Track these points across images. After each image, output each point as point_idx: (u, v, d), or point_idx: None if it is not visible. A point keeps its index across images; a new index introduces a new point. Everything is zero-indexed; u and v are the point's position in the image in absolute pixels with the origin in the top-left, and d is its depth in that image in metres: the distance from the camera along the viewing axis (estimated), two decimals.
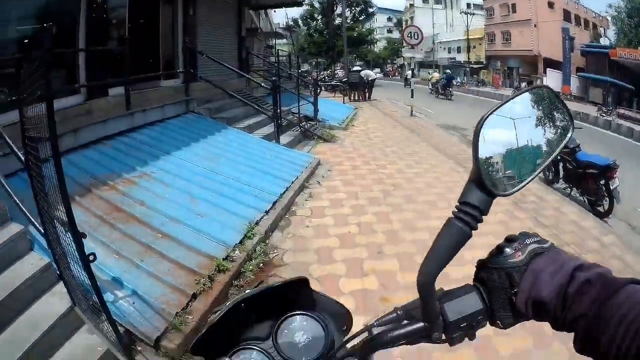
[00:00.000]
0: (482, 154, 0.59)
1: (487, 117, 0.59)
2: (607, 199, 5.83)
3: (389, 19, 63.96)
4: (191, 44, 7.27)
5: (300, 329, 0.87)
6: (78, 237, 1.91)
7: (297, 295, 0.89)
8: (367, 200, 5.09)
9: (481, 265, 0.62)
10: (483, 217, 0.58)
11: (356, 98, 16.93)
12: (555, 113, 0.64)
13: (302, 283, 0.88)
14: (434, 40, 46.05)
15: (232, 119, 6.86)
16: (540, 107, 0.64)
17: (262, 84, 8.23)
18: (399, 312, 0.69)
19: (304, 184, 5.24)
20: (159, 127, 5.41)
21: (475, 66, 41.20)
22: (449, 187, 5.90)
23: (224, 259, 3.10)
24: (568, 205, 5.88)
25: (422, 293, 0.60)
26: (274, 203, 4.32)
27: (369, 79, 17.53)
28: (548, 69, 33.74)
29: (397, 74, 49.04)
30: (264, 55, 13.33)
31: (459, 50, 44.88)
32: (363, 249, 3.83)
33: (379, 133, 9.91)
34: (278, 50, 12.94)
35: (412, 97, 13.72)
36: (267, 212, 4.10)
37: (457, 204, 0.59)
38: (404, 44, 14.04)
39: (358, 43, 37.30)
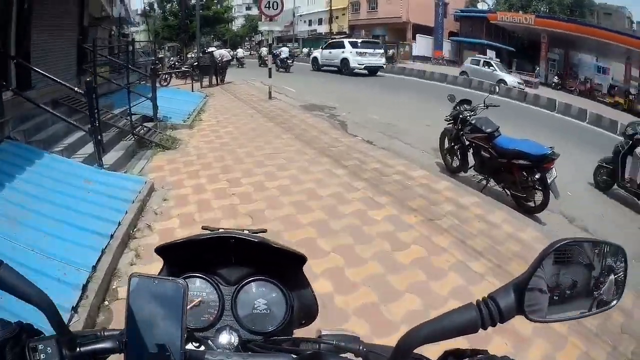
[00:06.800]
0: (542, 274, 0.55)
1: (561, 244, 0.56)
2: (542, 192, 4.88)
3: None
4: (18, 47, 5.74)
5: (265, 296, 0.85)
6: None
7: (285, 268, 0.87)
8: None
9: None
10: (498, 324, 0.55)
11: (208, 83, 15.81)
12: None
13: (299, 260, 0.86)
14: (294, 13, 45.92)
15: (49, 140, 5.39)
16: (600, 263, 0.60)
17: (76, 90, 6.16)
18: (360, 348, 0.71)
19: (129, 232, 3.91)
20: None
21: (337, 37, 41.22)
22: (330, 206, 4.52)
23: None
24: (495, 209, 4.86)
25: (400, 350, 0.58)
26: (85, 287, 2.93)
27: (223, 60, 16.51)
28: (418, 35, 35.62)
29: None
30: (119, 46, 11.54)
31: (320, 22, 45.62)
32: None
33: (231, 127, 8.60)
34: (122, 39, 11.37)
35: (270, 77, 12.70)
36: (75, 310, 2.70)
37: (487, 295, 0.56)
38: (261, 17, 13.00)
39: (214, 22, 35.50)
